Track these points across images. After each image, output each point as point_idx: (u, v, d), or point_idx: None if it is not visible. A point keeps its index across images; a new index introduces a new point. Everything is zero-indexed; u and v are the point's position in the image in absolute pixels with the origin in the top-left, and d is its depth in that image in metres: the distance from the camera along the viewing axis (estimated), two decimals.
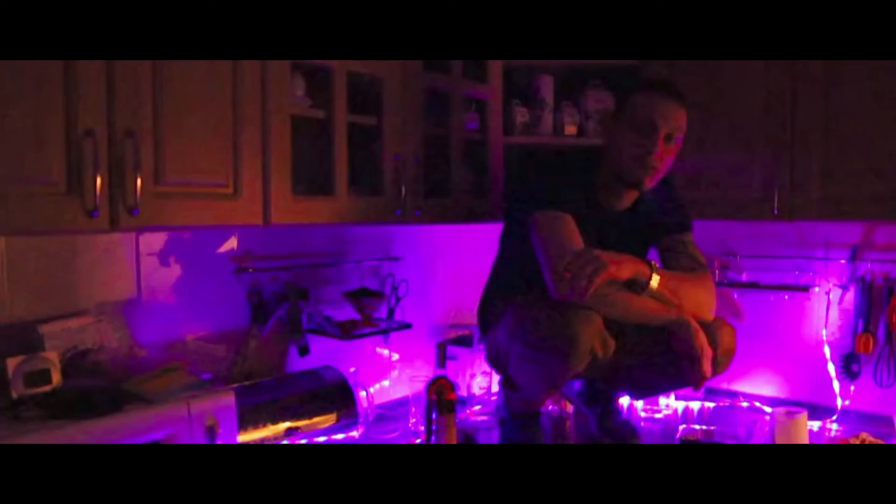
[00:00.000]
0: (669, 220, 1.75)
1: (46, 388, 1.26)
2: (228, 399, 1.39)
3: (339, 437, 1.76)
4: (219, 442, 1.34)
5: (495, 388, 2.09)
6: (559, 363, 1.53)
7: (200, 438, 1.32)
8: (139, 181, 1.25)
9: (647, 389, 1.87)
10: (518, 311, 1.60)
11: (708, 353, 1.56)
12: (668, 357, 1.61)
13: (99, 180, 1.20)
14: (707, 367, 1.56)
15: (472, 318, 1.95)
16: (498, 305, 1.74)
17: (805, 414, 1.78)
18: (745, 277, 2.22)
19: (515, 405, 1.76)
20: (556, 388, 1.69)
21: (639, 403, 2.13)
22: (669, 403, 2.15)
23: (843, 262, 2.06)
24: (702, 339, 1.56)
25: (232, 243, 1.77)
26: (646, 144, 1.59)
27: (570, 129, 2.14)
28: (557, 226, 1.60)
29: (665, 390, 1.94)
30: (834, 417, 2.03)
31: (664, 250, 1.73)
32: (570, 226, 1.60)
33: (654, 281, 1.55)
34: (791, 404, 2.00)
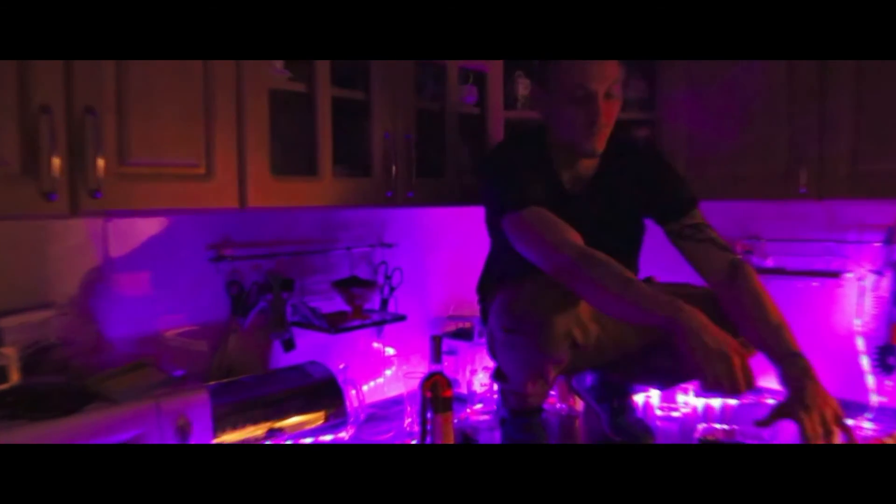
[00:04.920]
0: (671, 202, 1.61)
1: (4, 387, 1.22)
2: (202, 397, 1.34)
3: (327, 438, 1.67)
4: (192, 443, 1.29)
5: None
6: (532, 348, 1.45)
7: (171, 440, 1.27)
8: (101, 161, 1.18)
9: (671, 377, 1.69)
10: (502, 295, 1.51)
11: (733, 346, 1.23)
12: None
13: (57, 160, 1.13)
14: (738, 368, 1.21)
15: (472, 309, 1.88)
16: (493, 290, 1.63)
17: None
18: (770, 263, 2.12)
19: (510, 399, 1.66)
20: (539, 376, 1.54)
21: (655, 401, 2.00)
22: (688, 401, 2.03)
23: (877, 245, 1.95)
24: (711, 336, 1.24)
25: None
26: (587, 112, 1.48)
27: None
28: (541, 220, 1.43)
29: (691, 377, 1.64)
30: (868, 415, 1.92)
31: (677, 238, 1.59)
32: (552, 217, 1.44)
33: None
34: None
